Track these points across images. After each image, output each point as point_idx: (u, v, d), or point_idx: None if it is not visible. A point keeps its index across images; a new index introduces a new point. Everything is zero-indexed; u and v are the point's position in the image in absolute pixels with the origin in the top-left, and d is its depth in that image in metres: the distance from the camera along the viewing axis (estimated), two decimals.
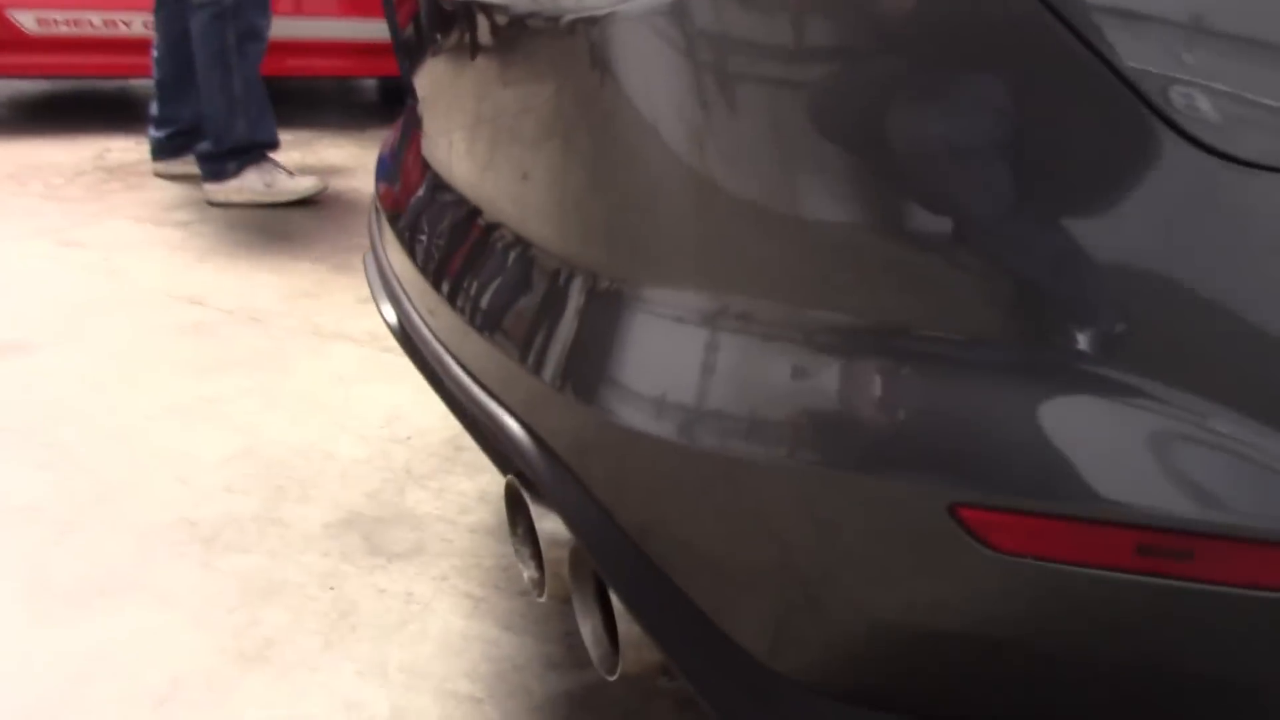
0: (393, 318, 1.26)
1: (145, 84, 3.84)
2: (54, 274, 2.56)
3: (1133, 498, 0.62)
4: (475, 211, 1.06)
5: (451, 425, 1.81)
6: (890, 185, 0.68)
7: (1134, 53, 0.60)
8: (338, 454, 1.78)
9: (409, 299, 1.16)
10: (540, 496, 0.91)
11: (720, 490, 0.74)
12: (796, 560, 0.72)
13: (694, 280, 0.76)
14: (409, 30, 1.26)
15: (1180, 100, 0.60)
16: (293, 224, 3.02)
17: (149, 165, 3.39)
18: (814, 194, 0.70)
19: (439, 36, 1.13)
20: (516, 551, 1.01)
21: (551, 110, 0.88)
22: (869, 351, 0.69)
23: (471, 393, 0.97)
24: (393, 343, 1.32)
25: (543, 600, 0.95)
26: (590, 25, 0.80)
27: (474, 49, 1.03)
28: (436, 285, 1.05)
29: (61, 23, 3.81)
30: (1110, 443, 0.63)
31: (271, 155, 3.19)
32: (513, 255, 0.96)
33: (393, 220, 1.25)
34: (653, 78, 0.76)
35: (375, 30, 4.00)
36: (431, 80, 1.20)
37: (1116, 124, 0.62)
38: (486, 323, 0.95)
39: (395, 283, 1.21)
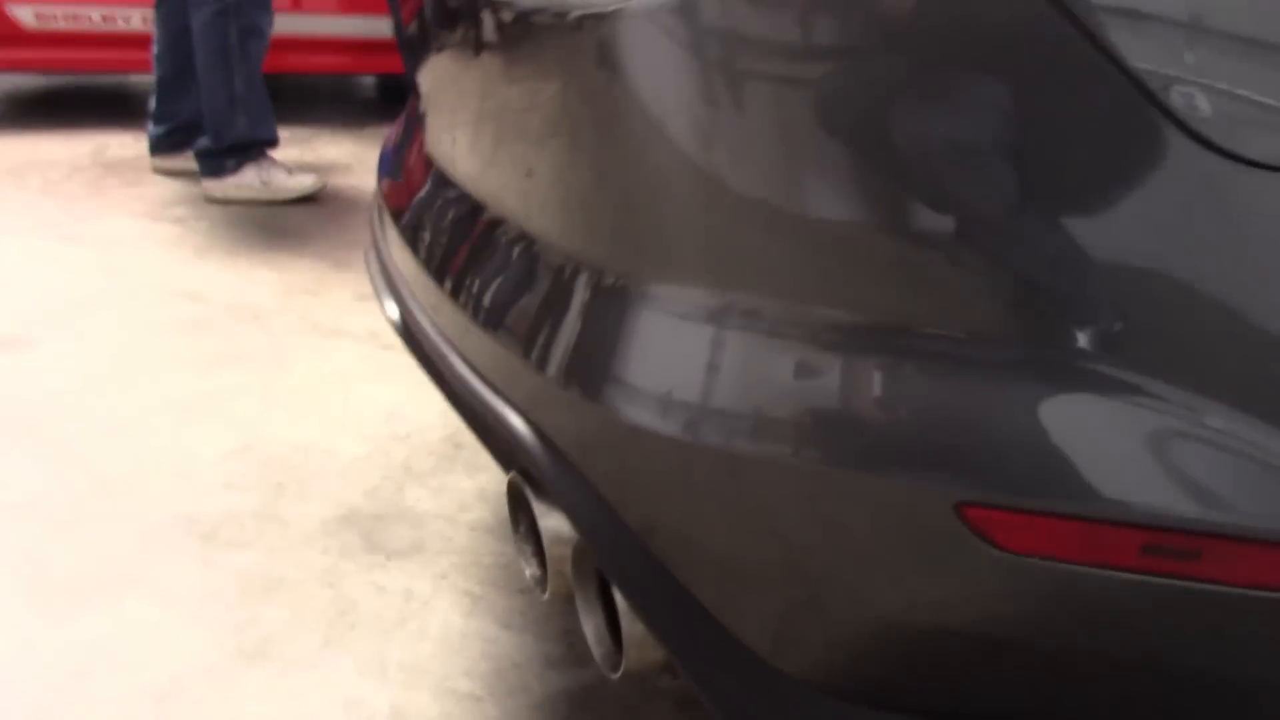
0: (395, 314, 1.25)
1: (144, 80, 3.84)
2: (52, 269, 2.56)
3: (1139, 497, 0.62)
4: (479, 207, 1.06)
5: (451, 423, 1.81)
6: (896, 183, 0.68)
7: (1141, 52, 0.60)
8: (337, 451, 1.77)
9: (412, 295, 1.15)
10: (543, 494, 0.91)
11: (725, 488, 0.74)
12: (801, 558, 0.72)
13: (699, 277, 0.76)
14: (413, 26, 1.26)
15: (1187, 100, 0.60)
16: (291, 221, 3.02)
17: (147, 161, 3.38)
18: (819, 191, 0.70)
19: (444, 32, 1.13)
20: (518, 549, 1.00)
21: (557, 106, 0.88)
22: (874, 349, 0.69)
23: (475, 389, 0.97)
24: (392, 340, 1.31)
25: (545, 598, 0.95)
26: (597, 22, 0.80)
27: (479, 45, 1.03)
28: (440, 281, 1.05)
29: (60, 18, 3.79)
30: (1117, 442, 0.63)
31: (270, 153, 3.18)
32: (517, 251, 0.95)
33: (395, 216, 1.25)
34: (658, 74, 0.76)
35: (375, 27, 4.00)
36: (436, 76, 1.19)
37: (1123, 123, 0.62)
38: (490, 319, 0.94)
39: (398, 279, 1.21)
